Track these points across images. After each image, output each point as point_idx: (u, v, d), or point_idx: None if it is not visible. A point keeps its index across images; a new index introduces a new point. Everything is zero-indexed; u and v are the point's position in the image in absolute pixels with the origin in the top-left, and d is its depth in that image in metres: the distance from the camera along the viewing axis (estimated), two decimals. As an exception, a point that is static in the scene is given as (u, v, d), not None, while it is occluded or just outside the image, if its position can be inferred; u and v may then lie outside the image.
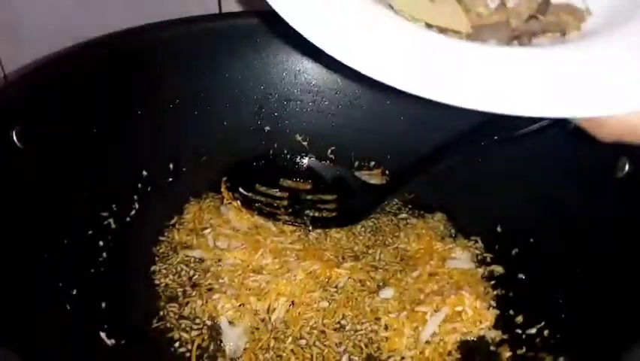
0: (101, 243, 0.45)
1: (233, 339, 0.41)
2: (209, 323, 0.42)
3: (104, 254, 0.45)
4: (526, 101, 0.25)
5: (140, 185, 0.49)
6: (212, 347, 0.41)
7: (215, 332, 0.42)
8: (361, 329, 0.42)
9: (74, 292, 0.41)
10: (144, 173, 0.49)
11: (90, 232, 0.45)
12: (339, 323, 0.42)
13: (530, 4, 0.31)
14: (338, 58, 0.26)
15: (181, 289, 0.44)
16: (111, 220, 0.46)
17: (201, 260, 0.46)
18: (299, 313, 0.42)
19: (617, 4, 0.31)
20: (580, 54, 0.27)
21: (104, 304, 0.42)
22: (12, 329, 0.33)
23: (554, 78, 0.26)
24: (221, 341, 0.41)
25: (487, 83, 0.26)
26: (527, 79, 0.26)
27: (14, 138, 0.40)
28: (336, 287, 0.44)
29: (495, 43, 0.30)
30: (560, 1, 0.32)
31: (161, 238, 0.48)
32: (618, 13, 0.30)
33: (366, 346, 0.41)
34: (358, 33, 0.27)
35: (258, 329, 0.42)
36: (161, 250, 0.47)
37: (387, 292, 0.44)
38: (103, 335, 0.40)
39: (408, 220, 0.50)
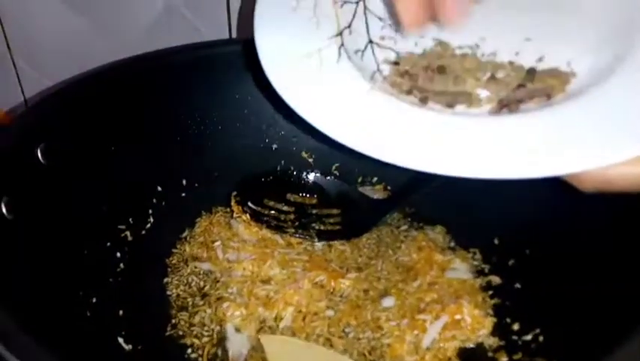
0: (118, 254, 0.47)
1: (237, 345, 0.43)
2: (217, 329, 0.44)
3: (121, 265, 0.47)
4: (511, 166, 0.28)
5: (154, 200, 0.51)
6: (219, 353, 0.42)
7: (221, 338, 0.43)
8: (364, 337, 0.43)
9: (94, 300, 0.43)
10: (159, 188, 0.51)
11: (108, 244, 0.47)
12: (343, 330, 0.44)
13: (518, 74, 0.33)
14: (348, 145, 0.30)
15: (191, 299, 0.46)
16: (128, 233, 0.48)
17: (210, 272, 0.47)
18: (305, 321, 0.44)
19: (599, 64, 0.32)
20: (557, 118, 0.30)
21: (121, 312, 0.44)
22: (36, 334, 0.34)
23: (534, 143, 0.29)
24: (225, 347, 0.43)
25: (471, 152, 0.28)
26: (511, 145, 0.29)
27: (39, 154, 0.42)
28: (340, 296, 0.45)
29: (486, 110, 0.32)
30: (546, 67, 0.34)
31: (174, 250, 0.50)
32: (600, 71, 0.32)
33: (369, 353, 0.42)
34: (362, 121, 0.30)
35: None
36: (173, 262, 0.49)
37: (389, 301, 0.45)
38: (121, 340, 0.42)
39: (409, 233, 0.51)
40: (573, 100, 0.31)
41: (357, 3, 0.37)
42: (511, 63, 0.35)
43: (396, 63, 0.36)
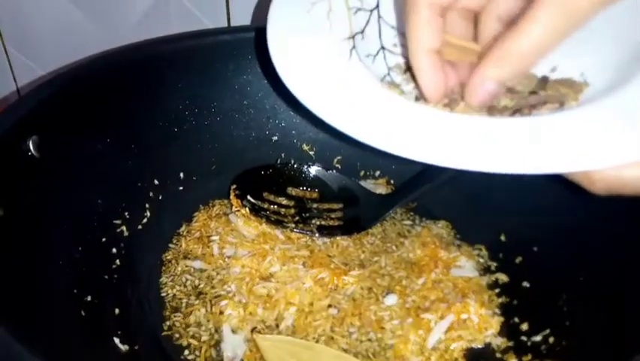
0: (114, 250, 0.46)
1: (232, 347, 0.42)
2: (213, 330, 0.43)
3: (117, 261, 0.45)
4: (518, 160, 0.28)
5: (151, 193, 0.49)
6: (214, 355, 0.42)
7: (217, 338, 0.42)
8: (368, 338, 0.42)
9: (89, 298, 0.41)
10: (155, 182, 0.50)
11: (104, 240, 0.45)
12: (347, 330, 0.43)
13: (530, 82, 0.33)
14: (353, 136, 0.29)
15: (186, 299, 0.45)
16: (124, 228, 0.47)
17: (208, 269, 0.46)
18: (308, 321, 0.43)
19: (613, 76, 0.32)
20: (569, 116, 0.30)
21: (117, 311, 0.43)
22: (30, 334, 0.33)
23: (544, 138, 0.28)
24: (220, 349, 0.42)
25: (479, 146, 0.28)
26: (520, 141, 0.29)
27: (30, 147, 0.41)
28: (343, 294, 0.44)
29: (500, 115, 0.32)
30: (560, 77, 0.33)
31: (171, 246, 0.48)
32: (615, 82, 0.31)
33: (373, 355, 0.41)
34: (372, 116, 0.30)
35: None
36: (169, 258, 0.48)
37: (392, 299, 0.44)
38: (117, 340, 0.41)
39: (412, 228, 0.50)
40: (585, 106, 0.31)
41: (370, 11, 0.37)
42: None
43: (407, 69, 0.35)
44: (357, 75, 0.33)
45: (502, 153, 0.28)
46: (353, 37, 0.35)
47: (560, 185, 0.43)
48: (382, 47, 0.37)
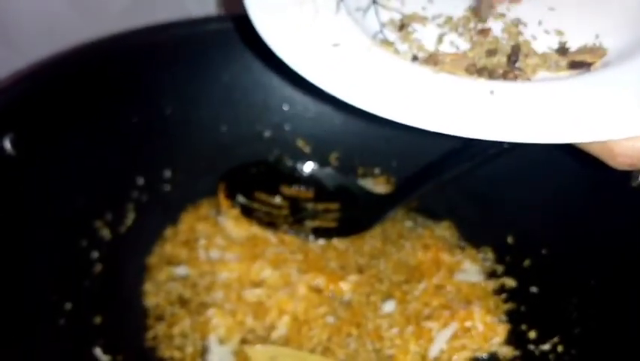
0: (95, 255, 0.44)
1: (219, 358, 0.40)
2: (199, 340, 0.41)
3: (98, 266, 0.44)
4: (533, 128, 0.26)
5: (135, 193, 0.48)
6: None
7: (203, 350, 0.40)
8: (366, 348, 0.40)
9: (69, 306, 0.40)
10: (139, 180, 0.48)
11: (84, 243, 0.44)
12: (344, 340, 0.41)
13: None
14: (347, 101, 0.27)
15: (170, 307, 0.43)
16: (105, 230, 0.45)
17: (193, 275, 0.44)
18: (302, 330, 0.41)
19: (630, 35, 0.31)
20: (587, 85, 0.28)
21: (98, 320, 0.41)
22: (5, 344, 0.33)
23: (558, 107, 0.26)
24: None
25: (486, 113, 0.26)
26: (533, 108, 0.26)
27: (6, 144, 0.40)
28: (340, 301, 0.43)
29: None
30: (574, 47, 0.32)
31: (156, 249, 0.46)
32: (632, 42, 0.30)
33: (372, 366, 0.40)
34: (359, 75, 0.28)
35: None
36: (153, 263, 0.46)
37: (391, 306, 0.43)
38: (98, 351, 0.39)
39: (414, 229, 0.48)
40: (601, 69, 0.29)
41: None
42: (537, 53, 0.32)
43: (402, 26, 0.33)
44: (345, 32, 0.31)
45: (512, 120, 0.26)
46: None
47: (571, 180, 0.42)
48: (374, 1, 0.34)
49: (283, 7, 0.31)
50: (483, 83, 0.28)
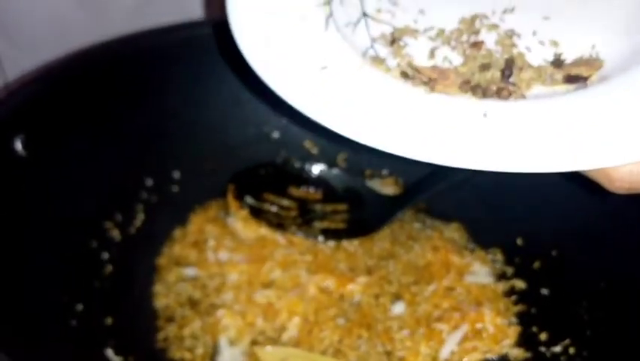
0: (105, 256, 0.44)
1: (230, 360, 0.40)
2: (209, 342, 0.41)
3: (109, 267, 0.43)
4: (528, 158, 0.25)
5: (145, 194, 0.47)
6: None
7: (213, 351, 0.40)
8: (376, 350, 0.40)
9: (80, 307, 0.40)
10: (148, 182, 0.48)
11: (95, 245, 0.44)
12: (355, 342, 0.41)
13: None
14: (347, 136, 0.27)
15: (180, 309, 0.43)
16: (115, 231, 0.45)
17: (202, 276, 0.44)
18: (313, 332, 0.41)
19: (627, 48, 0.30)
20: (579, 107, 0.27)
21: (109, 320, 0.41)
22: (17, 346, 0.32)
23: (556, 133, 0.26)
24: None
25: (481, 140, 0.26)
26: (528, 134, 0.26)
27: (17, 146, 0.40)
28: (350, 303, 0.42)
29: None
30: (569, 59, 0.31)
31: (165, 250, 0.46)
32: (629, 56, 0.30)
33: (383, 368, 0.40)
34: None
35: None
36: (162, 264, 0.45)
37: (400, 307, 0.42)
38: (110, 352, 0.39)
39: (423, 231, 0.48)
40: (598, 86, 0.28)
41: None
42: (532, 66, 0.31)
43: (394, 41, 0.32)
44: (335, 51, 0.29)
45: (504, 149, 0.25)
46: (329, 1, 0.32)
47: (582, 182, 0.42)
48: (364, 14, 0.33)
49: (271, 26, 0.30)
50: (476, 104, 0.27)
